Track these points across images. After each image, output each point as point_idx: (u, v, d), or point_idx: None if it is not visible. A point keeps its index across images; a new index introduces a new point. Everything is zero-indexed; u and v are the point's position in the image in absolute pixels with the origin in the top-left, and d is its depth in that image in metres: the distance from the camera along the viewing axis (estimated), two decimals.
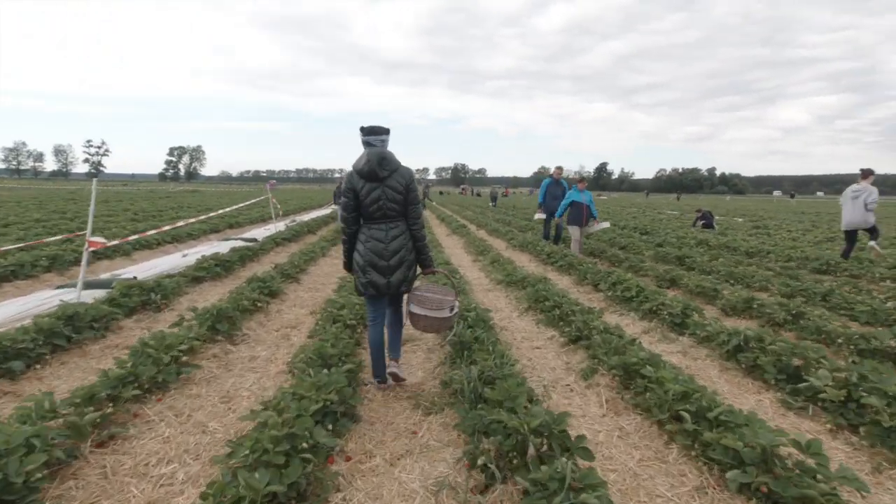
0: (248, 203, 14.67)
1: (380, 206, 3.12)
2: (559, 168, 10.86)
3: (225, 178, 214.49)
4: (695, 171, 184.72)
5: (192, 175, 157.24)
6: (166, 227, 9.30)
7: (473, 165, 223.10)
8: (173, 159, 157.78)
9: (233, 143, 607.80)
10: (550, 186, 10.43)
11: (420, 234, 3.28)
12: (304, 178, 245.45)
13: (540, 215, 10.79)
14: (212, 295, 6.09)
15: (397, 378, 3.42)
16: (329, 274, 7.91)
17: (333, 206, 25.94)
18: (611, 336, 4.04)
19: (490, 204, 34.85)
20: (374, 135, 3.14)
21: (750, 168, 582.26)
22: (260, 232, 12.83)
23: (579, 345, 4.32)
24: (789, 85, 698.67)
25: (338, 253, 10.11)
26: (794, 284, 6.36)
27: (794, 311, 4.94)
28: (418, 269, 3.39)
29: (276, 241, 10.27)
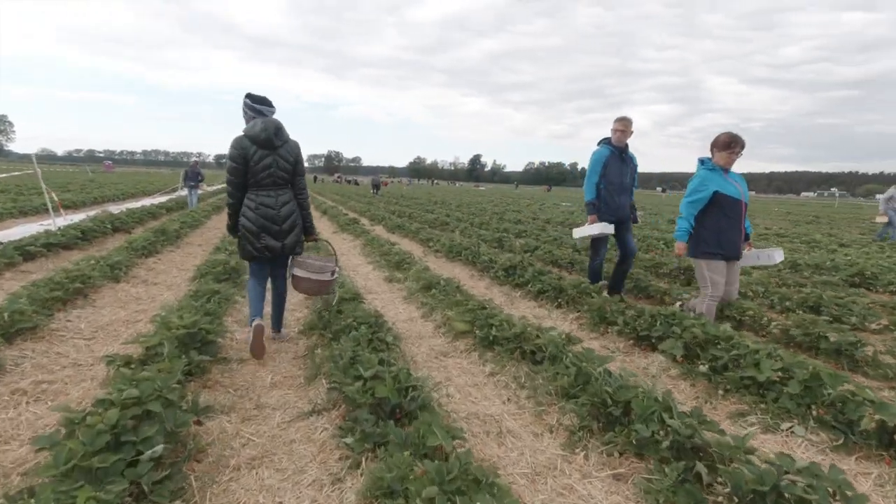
0: None
1: (270, 173, 3.20)
2: (624, 121, 4.66)
3: (46, 157, 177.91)
4: (559, 164, 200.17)
5: None
6: None
7: (348, 154, 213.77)
8: None
9: (61, 115, 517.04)
10: (611, 163, 4.67)
11: (307, 202, 3.48)
12: (153, 160, 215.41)
13: (589, 230, 4.65)
14: None
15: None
16: (110, 328, 3.84)
17: (181, 192, 20.04)
18: None
19: (372, 192, 31.26)
20: (267, 105, 3.25)
21: None
22: (24, 230, 7.85)
23: None
24: (632, 92, 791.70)
25: (148, 273, 5.89)
26: None
27: None
28: None
29: (25, 252, 5.64)
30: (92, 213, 11.44)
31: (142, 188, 20.94)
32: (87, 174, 39.62)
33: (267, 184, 3.20)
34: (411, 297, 5.22)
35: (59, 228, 7.21)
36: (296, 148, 3.31)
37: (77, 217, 9.92)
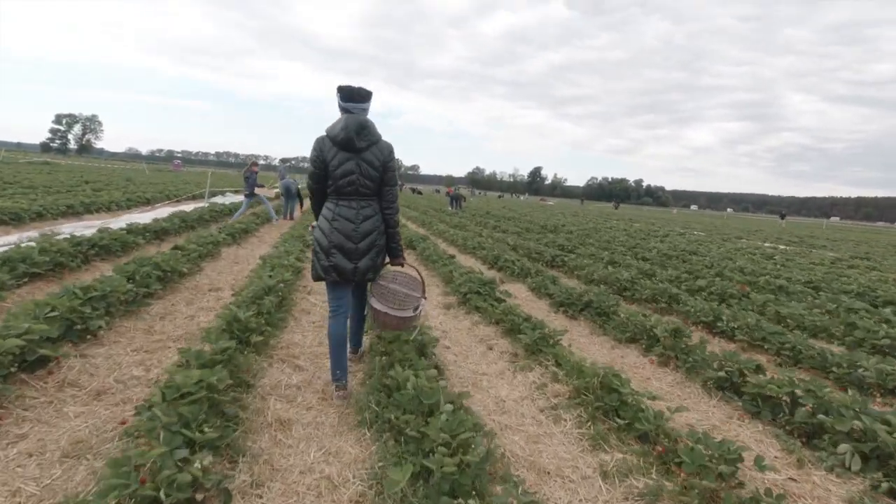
0: None
1: (352, 180, 2.68)
2: None
3: (131, 155, 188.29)
4: (623, 181, 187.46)
5: (84, 148, 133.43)
6: None
7: (407, 161, 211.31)
8: (61, 128, 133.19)
9: (147, 117, 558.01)
10: None
11: (394, 219, 2.88)
12: (224, 161, 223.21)
13: None
14: None
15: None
16: None
17: (215, 199, 15.31)
18: None
19: (450, 207, 25.33)
20: (353, 101, 2.69)
21: (667, 182, 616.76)
22: None
23: None
24: (701, 109, 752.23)
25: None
26: None
27: None
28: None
29: None
30: (30, 233, 6.65)
31: (170, 192, 16.54)
32: (144, 173, 37.13)
33: (348, 193, 2.69)
34: None
35: None
36: (386, 151, 2.75)
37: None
